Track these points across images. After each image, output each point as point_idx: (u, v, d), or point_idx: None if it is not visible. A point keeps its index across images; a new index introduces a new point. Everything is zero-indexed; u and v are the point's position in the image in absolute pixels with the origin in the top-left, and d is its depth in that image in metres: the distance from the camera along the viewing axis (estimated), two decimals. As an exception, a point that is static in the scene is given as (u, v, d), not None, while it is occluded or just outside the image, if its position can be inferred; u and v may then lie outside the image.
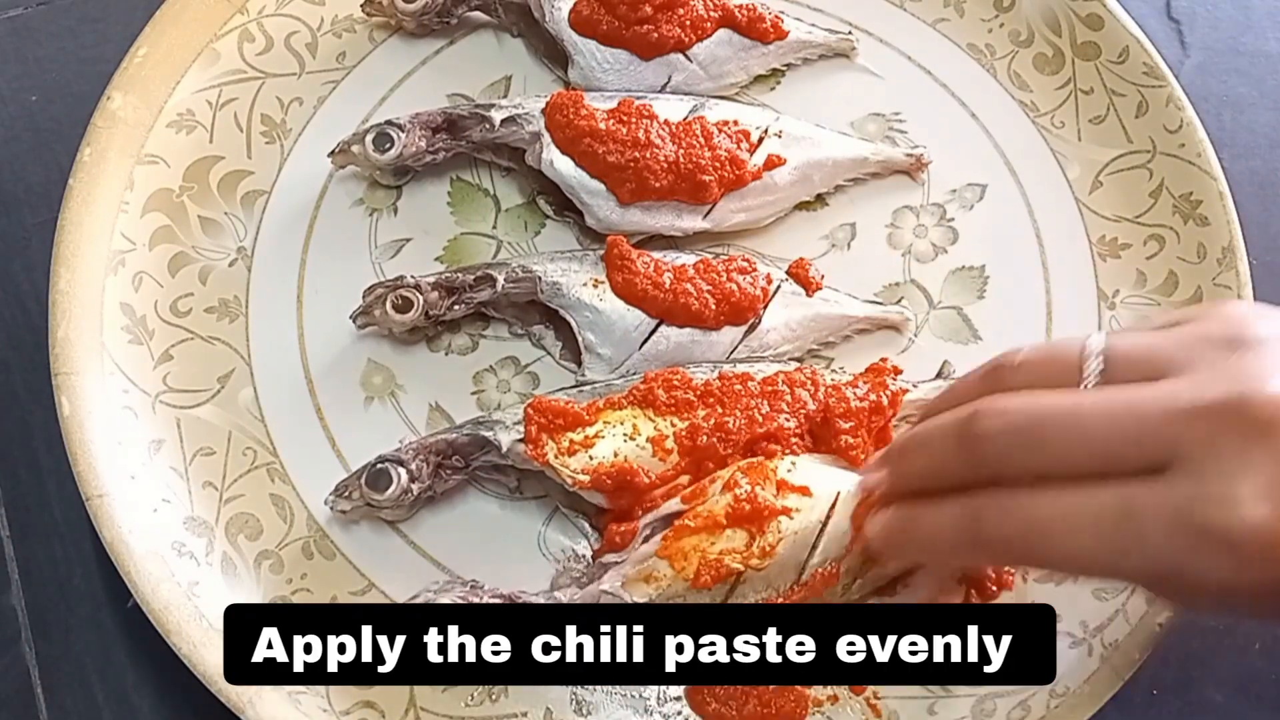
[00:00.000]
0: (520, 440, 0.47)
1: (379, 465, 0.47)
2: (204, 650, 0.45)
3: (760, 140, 0.53)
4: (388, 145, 0.52)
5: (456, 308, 0.50)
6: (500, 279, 0.50)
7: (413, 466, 0.47)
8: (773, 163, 0.53)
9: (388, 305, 0.50)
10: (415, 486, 0.47)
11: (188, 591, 0.46)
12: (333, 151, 0.53)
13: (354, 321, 0.51)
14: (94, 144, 0.52)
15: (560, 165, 0.52)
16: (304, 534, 0.49)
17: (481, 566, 0.48)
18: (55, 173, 0.54)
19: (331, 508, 0.48)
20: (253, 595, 0.47)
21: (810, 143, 0.55)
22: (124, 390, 0.49)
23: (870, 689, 0.47)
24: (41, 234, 0.53)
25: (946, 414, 0.41)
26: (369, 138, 0.52)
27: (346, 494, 0.48)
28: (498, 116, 0.52)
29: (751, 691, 0.46)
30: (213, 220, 0.53)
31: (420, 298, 0.50)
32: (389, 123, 0.52)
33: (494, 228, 0.54)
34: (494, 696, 0.46)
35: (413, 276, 0.50)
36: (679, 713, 0.46)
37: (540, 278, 0.50)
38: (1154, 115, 0.55)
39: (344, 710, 0.45)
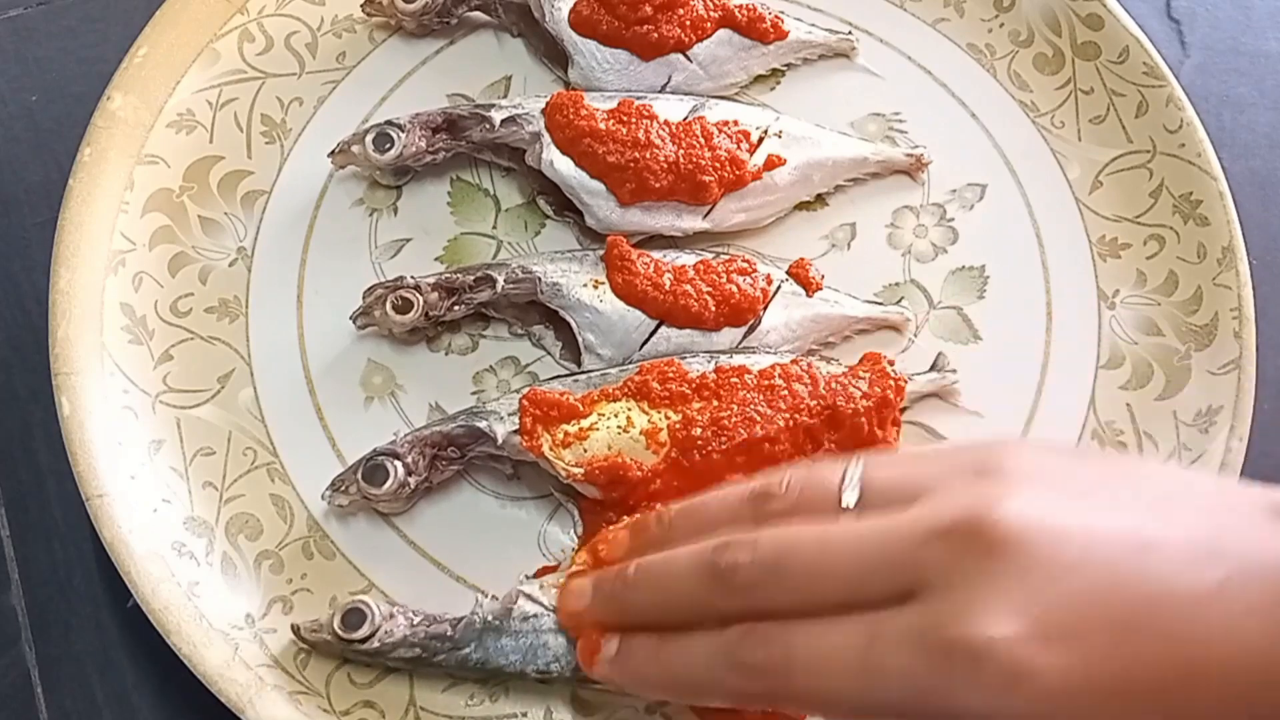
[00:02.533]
0: (515, 432, 0.47)
1: (375, 460, 0.47)
2: (204, 650, 0.45)
3: (760, 140, 0.53)
4: (388, 145, 0.52)
5: (456, 308, 0.50)
6: (500, 280, 0.50)
7: (409, 460, 0.47)
8: (773, 163, 0.53)
9: (388, 306, 0.50)
10: (412, 480, 0.47)
11: (188, 591, 0.46)
12: (333, 151, 0.53)
13: (354, 322, 0.51)
14: (94, 144, 0.52)
15: (560, 165, 0.52)
16: (304, 534, 0.49)
17: (481, 566, 0.48)
18: (55, 173, 0.54)
19: (329, 502, 0.48)
20: (253, 595, 0.47)
21: (810, 143, 0.54)
22: (124, 390, 0.49)
23: (870, 689, 0.47)
24: (41, 234, 0.53)
25: (692, 546, 0.40)
26: (369, 138, 0.52)
27: (343, 488, 0.47)
28: (498, 116, 0.52)
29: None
30: (213, 220, 0.53)
31: (420, 298, 0.50)
32: (389, 123, 0.52)
33: (494, 228, 0.54)
34: (494, 696, 0.46)
35: (412, 277, 0.50)
36: (679, 712, 0.46)
37: (540, 278, 0.50)
38: (1154, 115, 0.55)
39: (344, 710, 0.45)
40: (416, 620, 0.45)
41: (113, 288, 0.51)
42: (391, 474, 0.47)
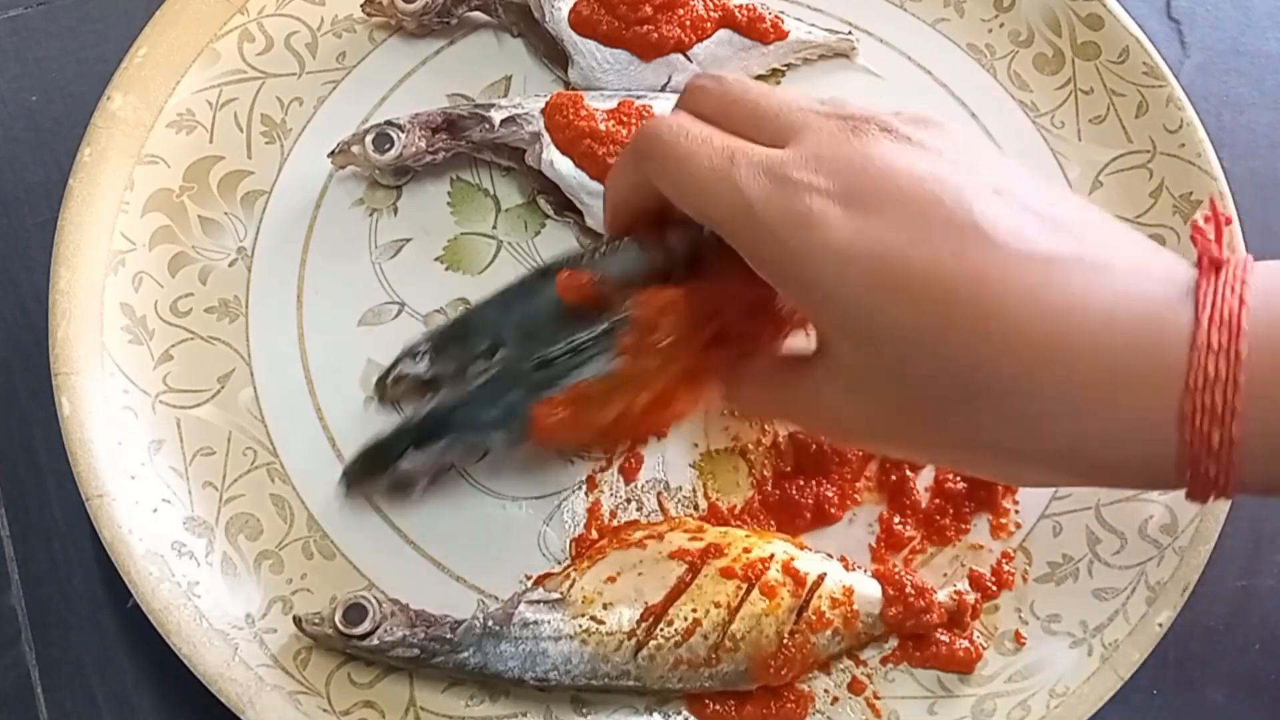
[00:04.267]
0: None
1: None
2: (204, 650, 0.45)
3: None
4: (387, 145, 0.52)
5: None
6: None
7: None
8: None
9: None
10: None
11: (188, 591, 0.46)
12: (333, 152, 0.53)
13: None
14: (94, 144, 0.52)
15: (560, 165, 0.52)
16: (304, 534, 0.49)
17: (481, 566, 0.48)
18: (55, 173, 0.54)
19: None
20: (253, 595, 0.47)
21: None
22: (124, 390, 0.49)
23: (870, 689, 0.47)
24: (41, 234, 0.53)
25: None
26: (369, 138, 0.52)
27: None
28: (497, 117, 0.52)
29: (750, 691, 0.46)
30: (213, 220, 0.53)
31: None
32: (389, 123, 0.52)
33: (494, 228, 0.54)
34: (494, 696, 0.46)
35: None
36: (679, 712, 0.46)
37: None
38: (1154, 115, 0.55)
39: (344, 710, 0.46)
40: (417, 621, 0.45)
41: (113, 288, 0.51)
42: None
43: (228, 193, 0.54)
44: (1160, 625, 0.47)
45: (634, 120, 0.52)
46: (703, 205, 0.40)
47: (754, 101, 0.41)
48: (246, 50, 0.56)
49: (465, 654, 0.45)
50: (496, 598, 0.48)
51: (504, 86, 0.56)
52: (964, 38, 0.58)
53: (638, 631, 0.45)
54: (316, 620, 0.45)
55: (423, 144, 0.52)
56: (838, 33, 0.58)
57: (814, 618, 0.46)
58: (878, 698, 0.47)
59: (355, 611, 0.45)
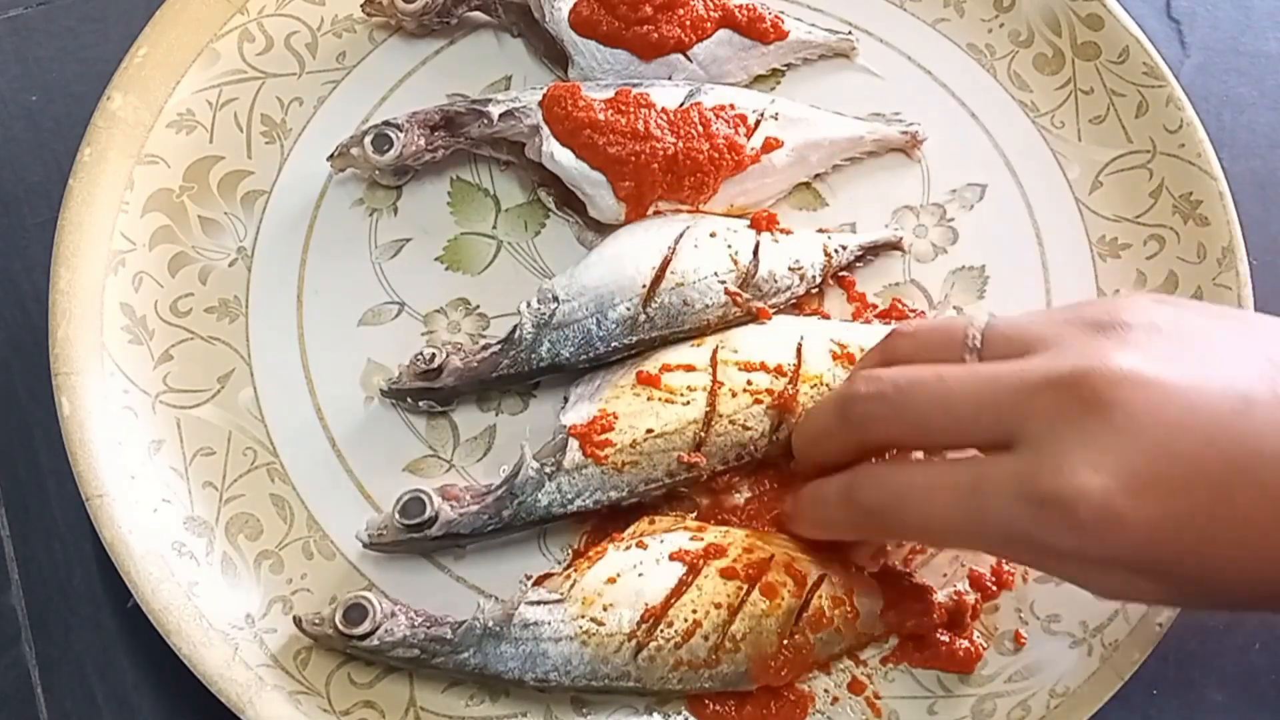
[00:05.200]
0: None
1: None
2: (204, 650, 0.45)
3: (757, 123, 0.53)
4: (387, 146, 0.52)
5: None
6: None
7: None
8: (770, 145, 0.53)
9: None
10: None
11: (188, 591, 0.46)
12: (332, 155, 0.53)
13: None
14: (94, 144, 0.52)
15: (560, 157, 0.52)
16: (304, 534, 0.49)
17: (481, 566, 0.48)
18: (55, 173, 0.54)
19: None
20: (253, 595, 0.47)
21: (806, 124, 0.55)
22: (124, 390, 0.49)
23: (870, 689, 0.47)
24: (41, 234, 0.53)
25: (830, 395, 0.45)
26: (368, 139, 0.52)
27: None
28: (495, 111, 0.52)
29: (749, 691, 0.46)
30: (213, 220, 0.53)
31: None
32: (387, 123, 0.52)
33: (494, 227, 0.54)
34: (494, 696, 0.46)
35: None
36: (679, 712, 0.46)
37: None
38: (1154, 115, 0.55)
39: (344, 710, 0.45)
40: (418, 621, 0.45)
41: (113, 288, 0.51)
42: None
43: (228, 193, 0.54)
44: (1160, 625, 0.47)
45: (632, 108, 0.52)
46: (958, 535, 0.41)
47: (968, 396, 0.39)
48: (246, 50, 0.56)
49: (465, 654, 0.45)
50: (496, 598, 0.48)
51: (504, 86, 0.56)
52: (964, 38, 0.58)
53: (638, 633, 0.45)
54: (317, 620, 0.45)
55: (421, 142, 0.52)
56: (838, 33, 0.58)
57: (814, 618, 0.46)
58: (878, 698, 0.47)
59: (355, 612, 0.45)
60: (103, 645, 0.49)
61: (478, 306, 0.53)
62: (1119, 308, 0.39)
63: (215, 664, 0.45)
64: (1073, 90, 0.57)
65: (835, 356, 0.50)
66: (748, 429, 0.48)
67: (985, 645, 0.47)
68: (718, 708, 0.46)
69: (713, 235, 0.51)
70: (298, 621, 0.45)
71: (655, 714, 0.46)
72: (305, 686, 0.46)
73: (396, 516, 0.46)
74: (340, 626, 0.44)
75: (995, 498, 0.38)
